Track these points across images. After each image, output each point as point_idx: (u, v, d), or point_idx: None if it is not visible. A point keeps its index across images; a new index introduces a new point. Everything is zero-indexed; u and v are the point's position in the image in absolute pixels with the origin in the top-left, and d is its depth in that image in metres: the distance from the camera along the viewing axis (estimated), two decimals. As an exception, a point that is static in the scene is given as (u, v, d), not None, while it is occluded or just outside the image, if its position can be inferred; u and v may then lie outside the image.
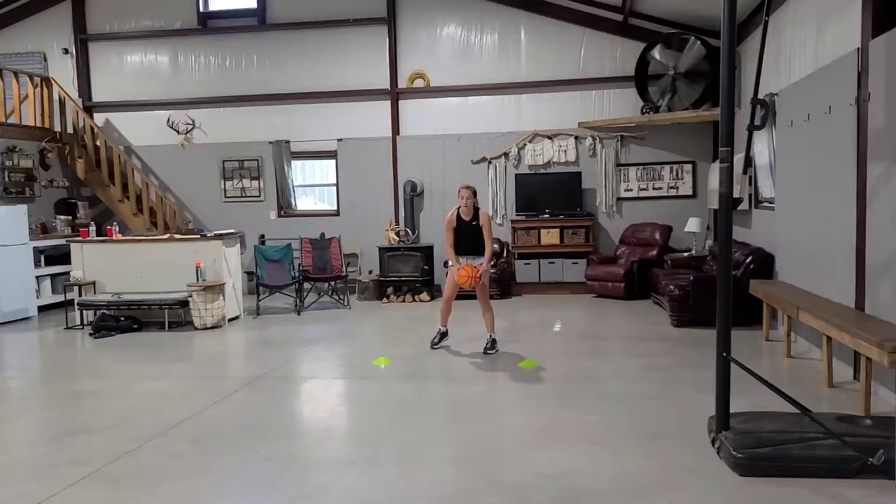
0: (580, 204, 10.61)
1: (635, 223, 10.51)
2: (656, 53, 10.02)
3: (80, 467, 4.00)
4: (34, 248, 9.71)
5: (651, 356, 6.46)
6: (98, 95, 11.78)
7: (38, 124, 10.68)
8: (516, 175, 10.85)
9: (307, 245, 10.16)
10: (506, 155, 10.93)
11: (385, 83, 11.12)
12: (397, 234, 10.72)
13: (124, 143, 11.73)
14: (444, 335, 7.12)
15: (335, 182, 11.55)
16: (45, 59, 11.66)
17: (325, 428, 4.71)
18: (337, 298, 10.14)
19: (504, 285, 10.37)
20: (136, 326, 8.43)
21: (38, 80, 10.79)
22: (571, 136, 10.75)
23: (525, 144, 10.89)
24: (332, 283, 10.26)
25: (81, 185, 11.37)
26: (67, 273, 9.57)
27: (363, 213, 11.28)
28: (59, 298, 9.79)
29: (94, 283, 8.81)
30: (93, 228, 9.44)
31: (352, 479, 3.77)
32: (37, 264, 9.80)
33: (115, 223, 9.89)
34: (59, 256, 10.11)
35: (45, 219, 10.51)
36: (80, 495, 3.63)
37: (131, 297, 8.51)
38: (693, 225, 9.71)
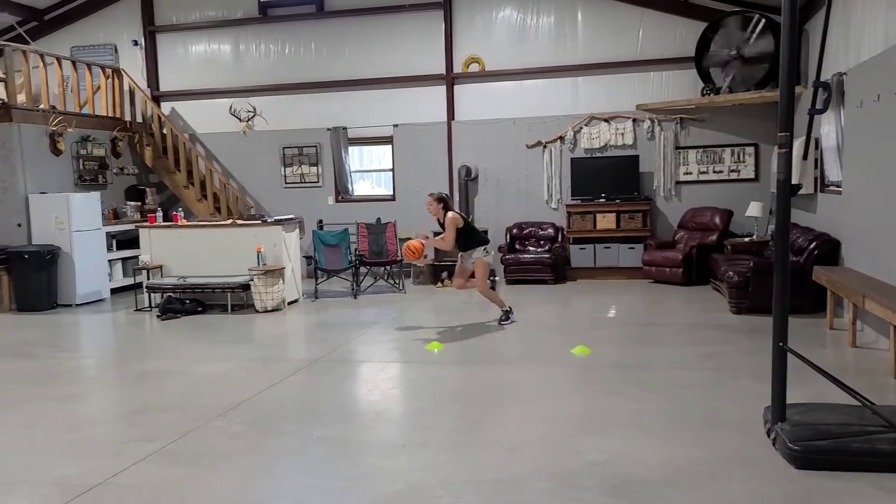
0: (637, 188, 10.44)
1: (694, 207, 10.29)
2: (718, 33, 9.74)
3: (147, 444, 4.21)
4: (107, 233, 10.15)
5: (707, 344, 6.35)
6: (165, 85, 12.16)
7: (110, 114, 11.11)
8: (572, 159, 10.75)
9: (363, 230, 10.31)
10: (561, 139, 10.84)
11: (440, 68, 11.14)
12: (453, 218, 10.75)
13: (189, 130, 12.09)
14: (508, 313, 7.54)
15: (391, 167, 11.67)
16: (116, 51, 12.09)
17: (378, 411, 4.82)
18: (392, 283, 10.28)
19: (559, 270, 10.34)
20: (200, 309, 8.74)
21: (109, 71, 11.22)
22: (629, 118, 10.57)
23: (581, 128, 10.77)
24: (388, 267, 10.39)
25: (149, 172, 11.79)
26: (137, 257, 9.98)
27: (418, 198, 11.34)
28: (130, 281, 10.21)
29: (160, 267, 9.16)
30: (159, 214, 9.79)
31: (403, 461, 3.86)
32: (109, 248, 10.24)
33: (180, 209, 10.23)
34: (130, 241, 10.55)
35: (116, 205, 10.96)
36: (148, 471, 3.82)
37: (196, 281, 8.81)
38: (755, 209, 9.45)
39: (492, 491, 3.45)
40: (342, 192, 11.77)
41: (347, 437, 4.28)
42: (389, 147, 11.64)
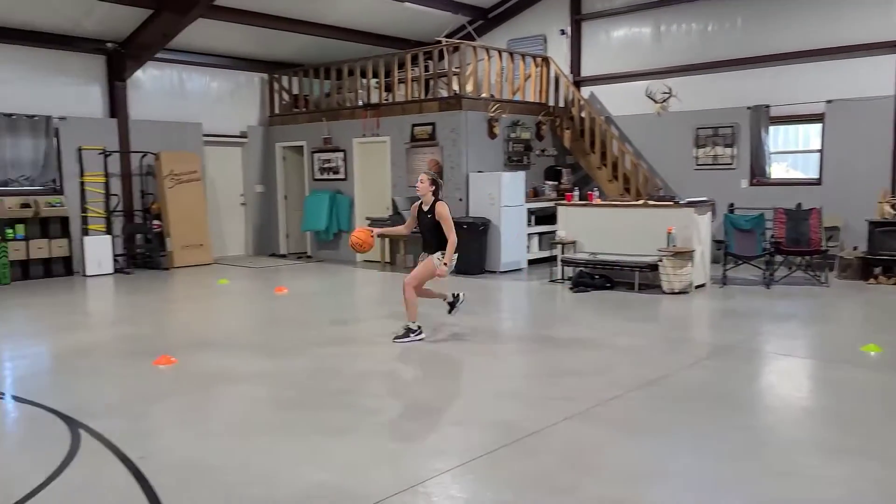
0: None
1: None
2: None
3: (572, 404, 4.60)
4: (527, 209, 11.20)
5: None
6: (586, 70, 12.81)
7: (537, 100, 12.17)
8: None
9: (781, 216, 9.58)
10: None
11: (890, 34, 9.67)
12: (893, 206, 9.37)
13: (605, 113, 12.58)
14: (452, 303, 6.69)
15: (819, 148, 10.58)
16: (545, 41, 13.12)
17: (803, 408, 4.53)
18: (812, 274, 9.39)
19: None
20: (608, 285, 9.13)
21: (539, 60, 12.27)
22: None
23: None
24: (808, 257, 9.51)
25: (566, 153, 12.62)
26: (551, 232, 10.83)
27: (850, 182, 10.11)
28: (544, 254, 11.14)
29: (574, 243, 9.79)
30: (576, 193, 10.42)
31: (840, 466, 3.57)
32: (528, 223, 11.28)
33: (594, 188, 10.75)
34: (546, 217, 11.49)
35: (536, 184, 12.01)
36: (576, 428, 4.20)
37: (606, 258, 9.22)
38: None
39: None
40: (758, 175, 11.09)
41: (769, 430, 4.12)
42: (817, 126, 10.56)
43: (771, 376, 5.32)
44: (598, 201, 9.98)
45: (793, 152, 11.32)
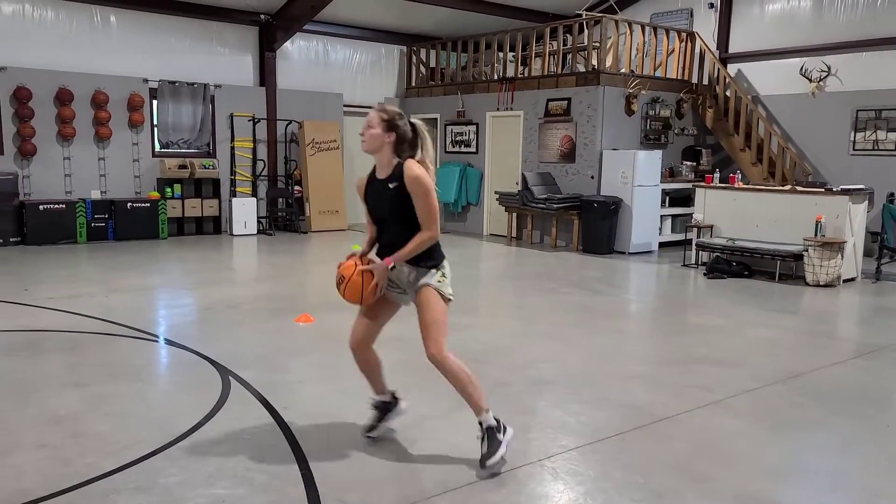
0: None
1: None
2: None
3: (707, 393, 4.45)
4: (662, 189, 10.82)
5: None
6: (734, 46, 12.11)
7: (679, 77, 11.65)
8: None
9: (955, 209, 8.74)
10: None
11: None
12: None
13: (752, 92, 11.88)
14: (383, 409, 3.73)
15: None
16: (692, 15, 12.50)
17: (970, 421, 4.15)
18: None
19: None
20: (746, 273, 8.70)
21: (683, 35, 11.71)
22: None
23: None
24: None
25: (707, 133, 12.04)
26: (687, 215, 10.42)
27: None
28: (677, 237, 10.75)
29: (711, 227, 9.38)
30: (717, 175, 9.96)
31: None
32: (662, 205, 10.91)
33: (737, 171, 10.22)
34: (681, 199, 11.06)
35: (672, 164, 11.56)
36: (711, 417, 4.06)
37: (745, 244, 8.77)
38: None
39: None
40: (925, 163, 10.14)
41: (929, 440, 3.82)
42: None
43: (930, 382, 4.91)
44: (741, 185, 9.49)
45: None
